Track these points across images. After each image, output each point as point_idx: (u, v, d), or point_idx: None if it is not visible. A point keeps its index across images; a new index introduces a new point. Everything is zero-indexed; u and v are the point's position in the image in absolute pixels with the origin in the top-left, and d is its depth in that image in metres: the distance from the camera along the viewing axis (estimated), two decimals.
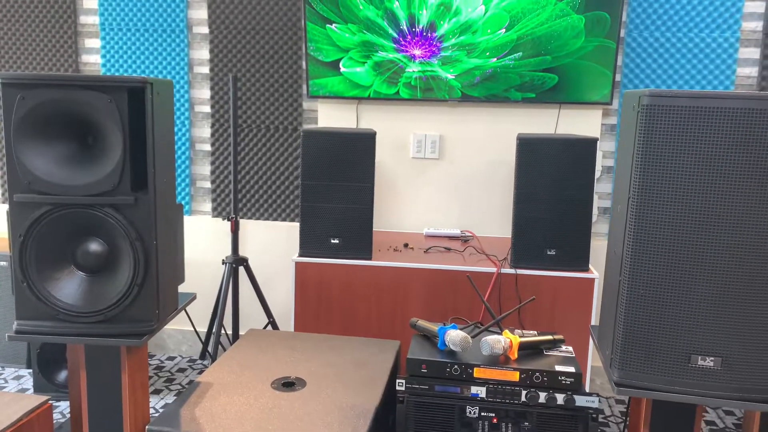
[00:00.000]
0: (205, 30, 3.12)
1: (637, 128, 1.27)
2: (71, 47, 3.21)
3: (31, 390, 2.89)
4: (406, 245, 2.73)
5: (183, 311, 3.22)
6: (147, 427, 1.55)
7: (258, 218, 3.21)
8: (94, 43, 3.21)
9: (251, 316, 3.29)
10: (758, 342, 1.28)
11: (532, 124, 2.93)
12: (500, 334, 1.60)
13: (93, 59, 3.23)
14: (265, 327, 3.08)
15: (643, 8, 2.80)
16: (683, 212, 1.28)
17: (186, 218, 3.29)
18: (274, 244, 3.22)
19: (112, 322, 1.56)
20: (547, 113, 2.91)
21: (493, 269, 2.39)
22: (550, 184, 2.36)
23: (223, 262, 2.93)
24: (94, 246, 1.56)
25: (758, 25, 2.75)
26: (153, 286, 1.56)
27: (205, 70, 3.16)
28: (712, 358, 1.30)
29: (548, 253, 2.39)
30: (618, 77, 2.85)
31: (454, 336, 1.56)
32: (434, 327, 1.67)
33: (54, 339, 1.55)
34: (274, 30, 3.03)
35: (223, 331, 3.13)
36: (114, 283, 1.56)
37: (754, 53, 2.78)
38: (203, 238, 3.27)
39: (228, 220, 2.91)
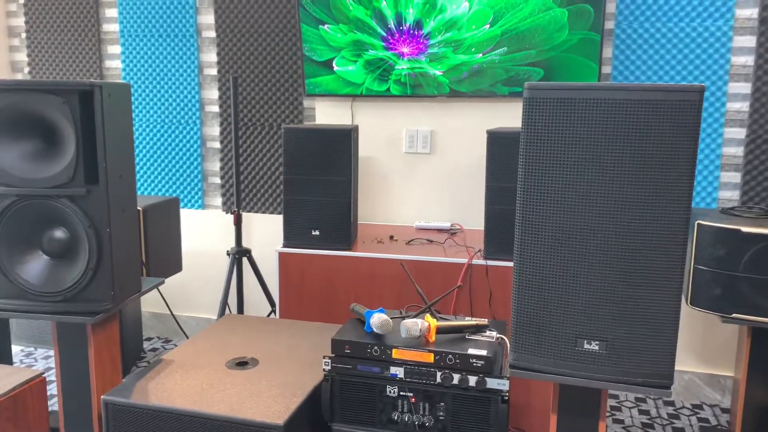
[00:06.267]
0: (213, 34, 3.31)
1: (522, 120, 1.32)
2: (95, 53, 3.47)
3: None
4: (391, 237, 2.82)
5: (162, 297, 3.44)
6: (102, 397, 1.73)
7: (264, 212, 3.38)
8: (115, 49, 3.46)
9: (258, 305, 3.46)
10: (639, 327, 1.30)
11: (519, 118, 2.95)
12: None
13: (115, 64, 3.49)
14: (268, 315, 3.24)
15: None
16: (565, 201, 1.32)
17: (198, 212, 3.49)
18: (279, 236, 3.38)
19: (72, 301, 1.74)
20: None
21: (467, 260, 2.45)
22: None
23: (228, 254, 3.11)
24: (59, 233, 1.75)
25: (753, 13, 2.67)
26: (107, 270, 1.73)
27: (214, 72, 3.35)
28: (597, 342, 1.33)
29: None
30: (606, 69, 2.83)
31: (376, 319, 1.65)
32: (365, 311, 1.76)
33: (22, 316, 1.75)
34: (275, 32, 3.18)
35: None
36: (73, 266, 1.74)
37: (750, 41, 2.69)
38: (215, 231, 3.47)
39: (231, 213, 3.08)
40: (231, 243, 3.47)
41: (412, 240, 2.77)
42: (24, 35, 3.57)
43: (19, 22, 3.57)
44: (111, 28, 3.44)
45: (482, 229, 3.03)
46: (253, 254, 3.38)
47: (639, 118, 1.24)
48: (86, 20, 3.44)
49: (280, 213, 3.36)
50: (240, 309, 3.21)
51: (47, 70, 3.54)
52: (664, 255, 1.26)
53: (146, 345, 3.52)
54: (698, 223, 2.22)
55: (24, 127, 1.69)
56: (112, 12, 3.42)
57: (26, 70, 3.60)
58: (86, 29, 3.45)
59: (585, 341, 1.33)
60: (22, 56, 3.60)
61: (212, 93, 3.37)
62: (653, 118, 1.23)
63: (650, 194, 1.26)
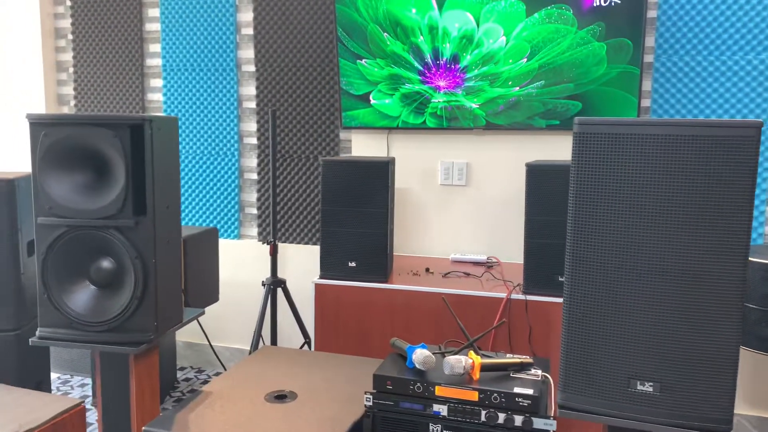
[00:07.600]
0: (252, 68, 3.38)
1: (572, 155, 1.31)
2: (138, 87, 3.57)
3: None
4: (427, 270, 2.80)
5: (200, 327, 3.45)
6: (143, 428, 1.73)
7: (299, 242, 3.39)
8: (157, 82, 3.56)
9: (291, 336, 3.45)
10: (694, 367, 1.26)
11: (557, 151, 2.94)
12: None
13: (156, 97, 3.58)
14: (302, 347, 3.23)
15: (671, 33, 2.76)
16: (617, 237, 1.30)
17: (235, 242, 3.53)
18: (313, 267, 3.39)
19: (117, 331, 1.75)
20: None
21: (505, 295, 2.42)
22: (560, 209, 2.37)
23: (263, 284, 3.12)
24: (106, 263, 1.78)
25: None
26: (152, 300, 1.75)
27: (253, 105, 3.41)
28: (651, 383, 1.29)
29: (560, 279, 2.39)
30: (646, 103, 2.81)
31: (419, 355, 1.63)
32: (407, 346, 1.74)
33: (68, 345, 1.77)
34: (313, 67, 3.24)
35: None
36: (119, 296, 1.76)
37: None
38: (250, 261, 3.49)
39: (267, 243, 3.11)
40: (266, 273, 3.49)
41: (449, 273, 2.75)
42: (71, 70, 3.70)
43: (68, 57, 3.70)
44: (154, 62, 3.54)
45: (519, 262, 3.00)
46: (288, 285, 3.39)
47: (693, 154, 1.22)
48: (131, 55, 3.54)
49: (315, 244, 3.37)
50: (273, 340, 3.21)
51: (92, 102, 3.64)
52: (721, 293, 1.23)
53: (179, 375, 3.53)
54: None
55: (77, 159, 1.73)
56: (155, 47, 3.53)
57: (72, 102, 3.71)
58: (130, 64, 3.55)
59: (638, 382, 1.29)
60: (69, 89, 3.72)
61: (251, 125, 3.43)
62: (708, 154, 1.21)
63: (707, 231, 1.24)
